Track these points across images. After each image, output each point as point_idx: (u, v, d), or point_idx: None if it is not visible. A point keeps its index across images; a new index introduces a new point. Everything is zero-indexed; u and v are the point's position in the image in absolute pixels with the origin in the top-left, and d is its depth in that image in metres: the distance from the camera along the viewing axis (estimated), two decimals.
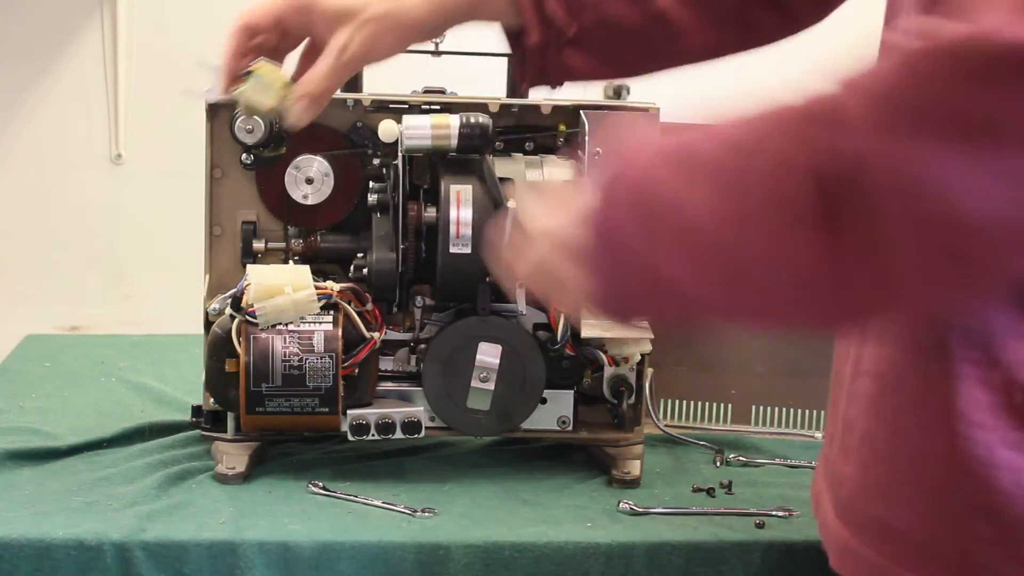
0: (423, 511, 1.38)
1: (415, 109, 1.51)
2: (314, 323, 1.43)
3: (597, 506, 1.42)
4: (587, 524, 1.37)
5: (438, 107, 1.50)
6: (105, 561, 1.27)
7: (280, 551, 1.30)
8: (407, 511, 1.38)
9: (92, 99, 2.31)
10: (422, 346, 1.52)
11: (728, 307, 0.94)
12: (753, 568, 1.33)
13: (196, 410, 1.53)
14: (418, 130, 1.44)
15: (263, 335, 1.42)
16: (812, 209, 0.87)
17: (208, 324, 1.46)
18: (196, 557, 1.28)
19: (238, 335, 1.42)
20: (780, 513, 1.41)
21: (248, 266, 1.48)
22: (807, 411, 1.70)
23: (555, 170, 1.50)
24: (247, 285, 1.43)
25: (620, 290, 0.96)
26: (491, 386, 1.47)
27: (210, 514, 1.35)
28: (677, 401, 1.72)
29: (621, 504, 1.41)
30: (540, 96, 1.49)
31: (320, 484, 1.43)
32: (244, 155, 1.50)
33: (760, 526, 1.38)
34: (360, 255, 1.49)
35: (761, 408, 1.71)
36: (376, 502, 1.40)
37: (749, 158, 0.90)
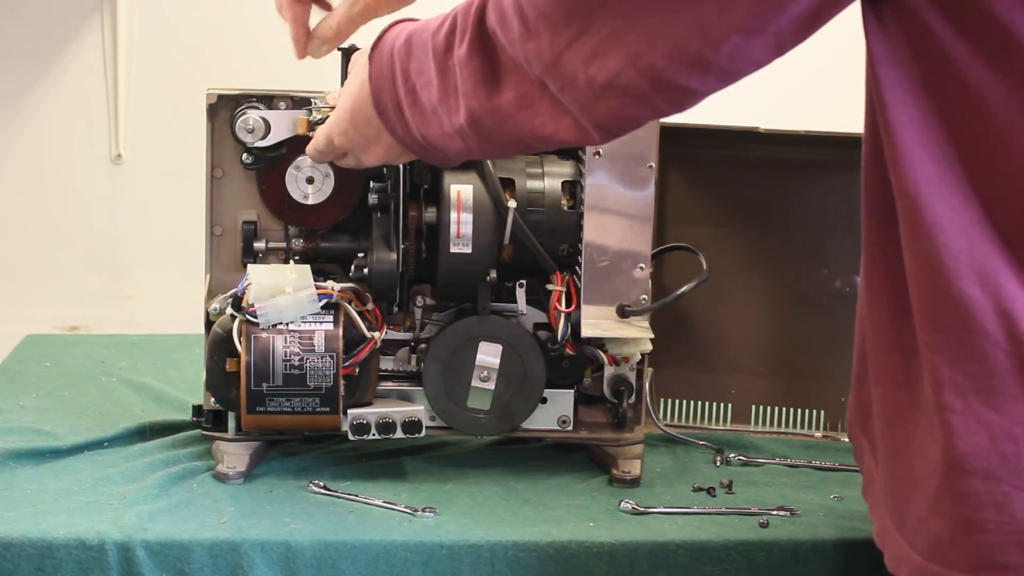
0: (424, 511, 1.38)
1: None
2: (315, 323, 1.43)
3: (598, 506, 1.42)
4: (589, 524, 1.37)
5: None
6: (107, 560, 1.27)
7: (282, 551, 1.29)
8: (408, 511, 1.38)
9: (92, 99, 2.31)
10: (422, 346, 1.52)
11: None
12: (759, 567, 1.33)
13: (197, 410, 1.53)
14: None
15: (264, 335, 1.42)
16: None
17: (209, 324, 1.46)
18: (198, 556, 1.28)
19: (239, 335, 1.43)
20: (781, 513, 1.41)
21: (249, 266, 1.48)
22: (807, 411, 1.70)
23: (555, 170, 1.50)
24: (248, 285, 1.43)
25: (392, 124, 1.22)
26: (491, 386, 1.47)
27: (211, 513, 1.35)
28: (677, 401, 1.72)
29: (623, 503, 1.41)
30: None
31: (321, 484, 1.43)
32: (245, 155, 1.50)
33: (764, 525, 1.38)
34: (360, 255, 1.49)
35: (761, 408, 1.71)
36: (377, 502, 1.40)
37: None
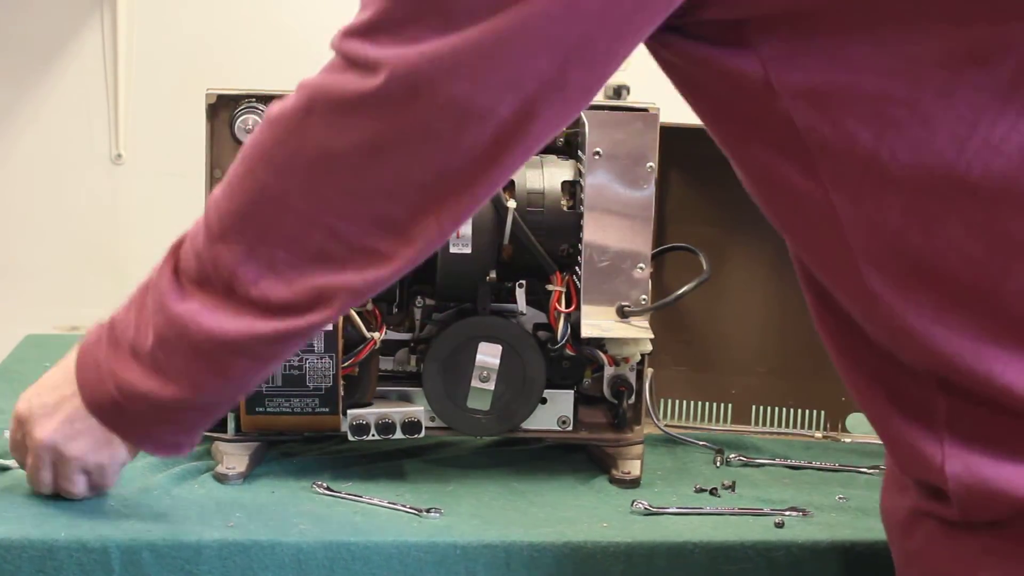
0: (430, 511, 1.37)
1: None
2: None
3: (607, 506, 1.42)
4: (603, 524, 1.36)
5: None
6: (110, 563, 1.26)
7: (293, 552, 1.28)
8: (415, 511, 1.38)
9: (92, 99, 2.31)
10: (422, 346, 1.52)
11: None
12: (778, 566, 1.32)
13: None
14: None
15: None
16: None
17: None
18: (207, 559, 1.27)
19: None
20: (792, 513, 1.41)
21: None
22: (807, 411, 1.70)
23: (555, 170, 1.50)
24: None
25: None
26: (491, 386, 1.47)
27: (215, 515, 1.34)
28: (677, 401, 1.72)
29: (635, 504, 1.41)
30: None
31: (324, 484, 1.42)
32: None
33: (780, 525, 1.37)
34: None
35: (761, 408, 1.71)
36: (383, 502, 1.40)
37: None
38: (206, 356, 1.18)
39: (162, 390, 1.20)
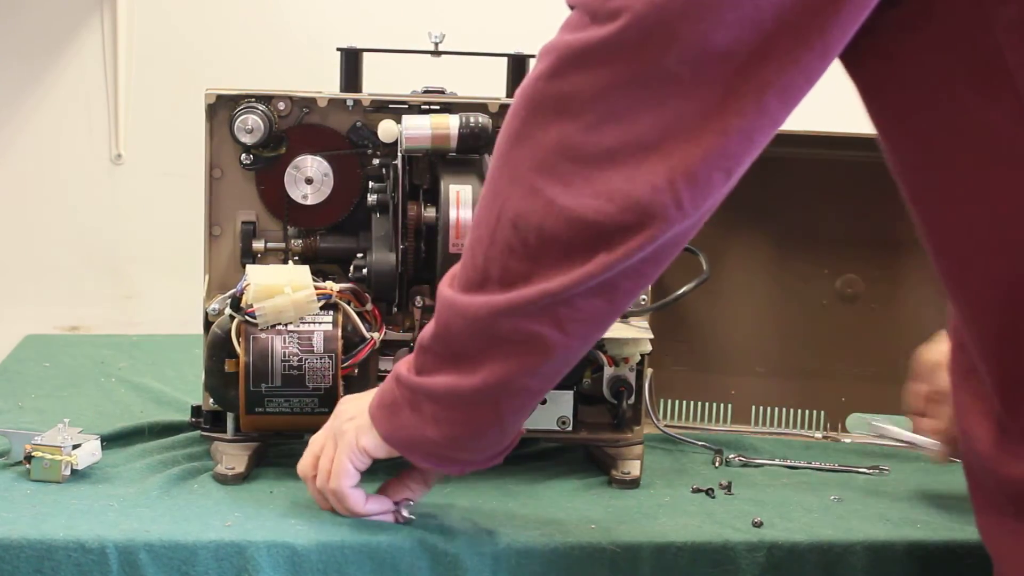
0: (427, 514, 1.37)
1: (415, 109, 1.51)
2: (313, 323, 1.43)
3: (599, 508, 1.42)
4: (591, 526, 1.36)
5: (438, 107, 1.51)
6: (107, 563, 1.26)
7: (288, 553, 1.28)
8: (411, 515, 1.37)
9: (92, 99, 2.31)
10: None
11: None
12: (758, 567, 1.32)
13: (196, 410, 1.53)
14: (418, 130, 1.44)
15: (262, 335, 1.42)
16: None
17: (208, 324, 1.46)
18: (203, 559, 1.27)
19: (237, 335, 1.42)
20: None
21: (247, 266, 1.48)
22: (807, 411, 1.70)
23: None
24: (246, 285, 1.43)
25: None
26: None
27: (214, 515, 1.34)
28: (677, 401, 1.72)
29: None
30: None
31: None
32: (244, 155, 1.50)
33: (758, 525, 1.37)
34: (360, 255, 1.49)
35: (761, 408, 1.71)
36: None
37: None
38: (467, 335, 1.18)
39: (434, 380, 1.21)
